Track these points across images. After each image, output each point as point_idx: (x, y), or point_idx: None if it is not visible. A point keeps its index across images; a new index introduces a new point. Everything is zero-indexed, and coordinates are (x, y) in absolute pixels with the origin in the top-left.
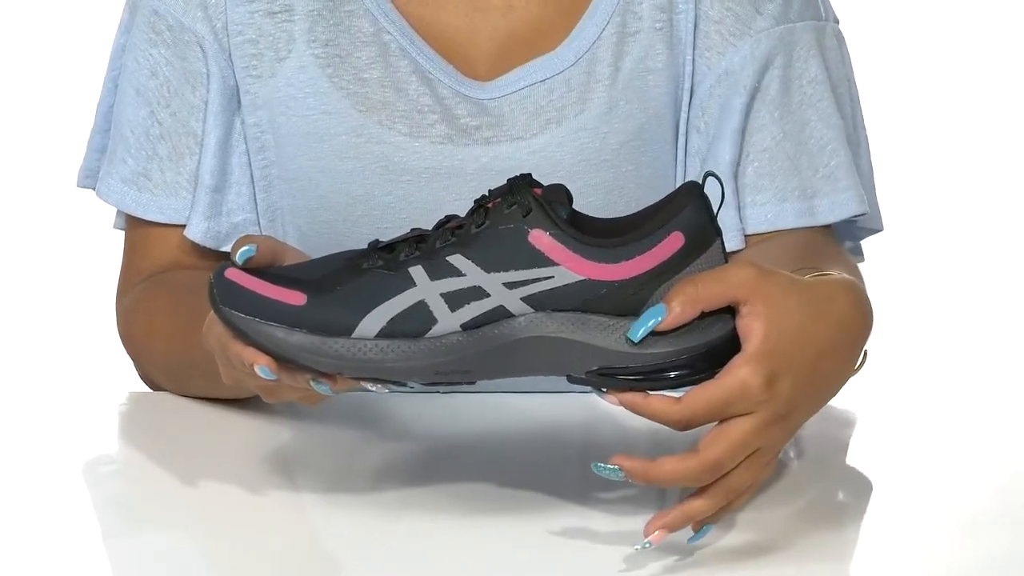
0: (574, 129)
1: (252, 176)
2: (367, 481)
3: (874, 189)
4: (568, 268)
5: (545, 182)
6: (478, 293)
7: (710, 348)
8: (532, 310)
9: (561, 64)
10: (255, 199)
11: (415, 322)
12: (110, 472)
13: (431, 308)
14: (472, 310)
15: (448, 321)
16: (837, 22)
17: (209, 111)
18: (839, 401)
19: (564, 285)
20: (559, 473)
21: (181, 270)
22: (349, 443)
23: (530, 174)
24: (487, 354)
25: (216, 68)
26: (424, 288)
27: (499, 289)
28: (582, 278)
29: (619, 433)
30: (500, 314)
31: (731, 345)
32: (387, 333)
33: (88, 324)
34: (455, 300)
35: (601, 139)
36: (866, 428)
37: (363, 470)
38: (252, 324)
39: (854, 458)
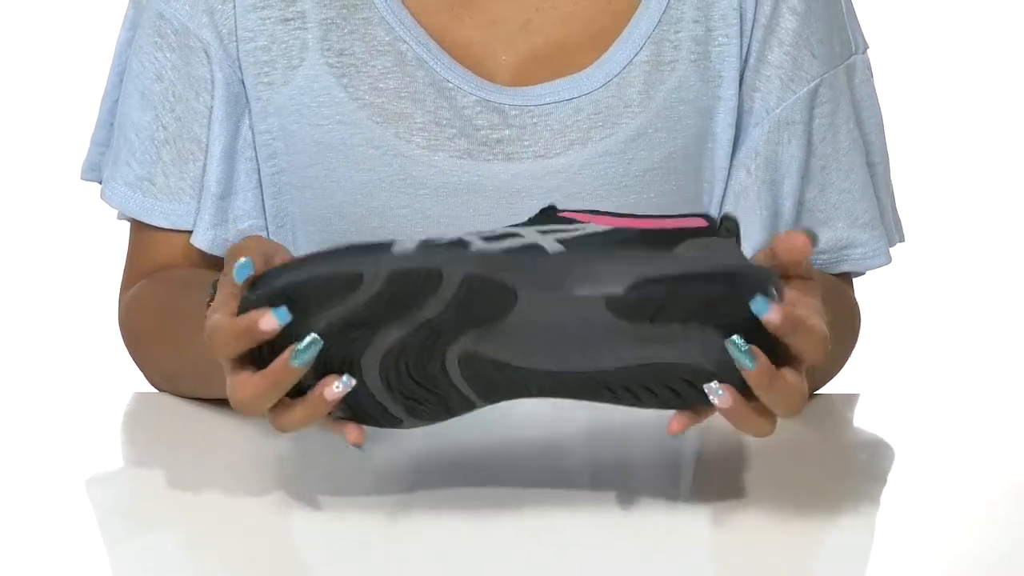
0: (599, 152)
1: (260, 182)
2: (373, 485)
3: (894, 201)
4: (597, 223)
5: (565, 204)
6: (513, 235)
7: (741, 268)
8: (565, 249)
9: (589, 85)
10: (262, 204)
11: (453, 243)
12: (114, 475)
13: (467, 239)
14: (508, 243)
15: (486, 247)
16: (867, 47)
17: (214, 118)
18: (848, 396)
19: (596, 231)
20: (561, 479)
21: (181, 268)
22: (354, 447)
23: (554, 205)
24: (528, 264)
25: (221, 74)
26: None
27: (533, 234)
28: (612, 227)
29: (623, 441)
30: (536, 250)
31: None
32: (426, 245)
33: (94, 323)
34: (491, 238)
35: (626, 165)
36: (872, 424)
37: (369, 473)
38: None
39: (862, 454)
